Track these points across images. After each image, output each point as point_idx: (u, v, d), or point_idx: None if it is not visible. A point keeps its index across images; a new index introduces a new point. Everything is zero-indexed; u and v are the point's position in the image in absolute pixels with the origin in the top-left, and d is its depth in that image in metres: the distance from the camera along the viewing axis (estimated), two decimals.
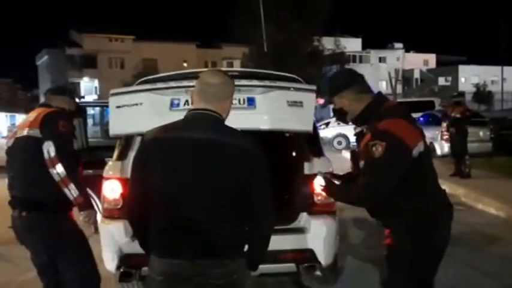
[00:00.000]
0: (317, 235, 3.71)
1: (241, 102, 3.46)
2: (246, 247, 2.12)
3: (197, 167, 1.95)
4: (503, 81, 43.85)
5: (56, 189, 3.02)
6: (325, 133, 19.92)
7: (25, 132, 3.11)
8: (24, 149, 3.12)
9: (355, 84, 2.66)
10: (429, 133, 14.03)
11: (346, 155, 16.99)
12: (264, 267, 3.60)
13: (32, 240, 3.08)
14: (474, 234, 6.55)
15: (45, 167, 3.02)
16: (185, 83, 3.57)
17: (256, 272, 3.70)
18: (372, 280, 4.32)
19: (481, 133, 14.16)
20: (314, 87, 3.67)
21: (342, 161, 15.54)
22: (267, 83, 3.63)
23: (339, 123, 19.63)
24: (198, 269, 1.96)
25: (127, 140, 3.86)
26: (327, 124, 20.46)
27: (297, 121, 3.49)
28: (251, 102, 3.49)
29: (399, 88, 50.84)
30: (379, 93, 2.75)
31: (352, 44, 55.23)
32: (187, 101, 3.40)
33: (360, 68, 45.18)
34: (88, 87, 55.41)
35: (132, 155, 3.35)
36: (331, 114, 23.20)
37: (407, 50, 61.81)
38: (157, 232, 2.03)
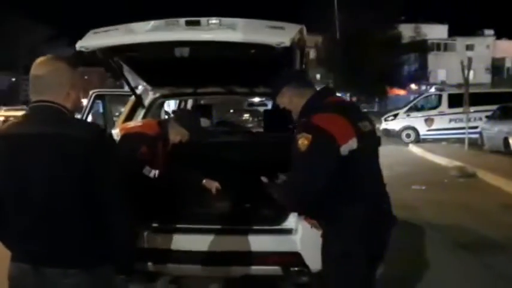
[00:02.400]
0: (305, 238, 3.46)
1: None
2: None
3: (33, 166, 1.80)
4: None
5: None
6: (392, 125, 19.07)
7: None
8: None
9: (293, 80, 2.58)
10: (505, 127, 13.00)
11: (414, 149, 16.20)
12: (246, 269, 3.52)
13: None
14: None
15: None
16: None
17: (239, 273, 3.65)
18: None
19: None
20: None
21: (408, 155, 14.95)
22: None
23: (408, 115, 18.76)
24: (42, 276, 1.82)
25: None
26: (395, 116, 19.49)
27: (274, 35, 3.10)
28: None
29: (487, 78, 47.70)
30: (324, 88, 2.66)
31: (436, 31, 52.51)
32: None
33: (445, 57, 43.00)
34: None
35: None
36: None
37: (498, 37, 57.57)
38: (7, 235, 1.91)
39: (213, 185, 3.85)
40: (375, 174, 2.45)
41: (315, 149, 2.19)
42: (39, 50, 45.96)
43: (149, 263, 3.48)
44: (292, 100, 2.53)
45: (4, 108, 29.12)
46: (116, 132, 3.46)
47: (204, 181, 3.85)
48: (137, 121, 3.78)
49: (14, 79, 61.93)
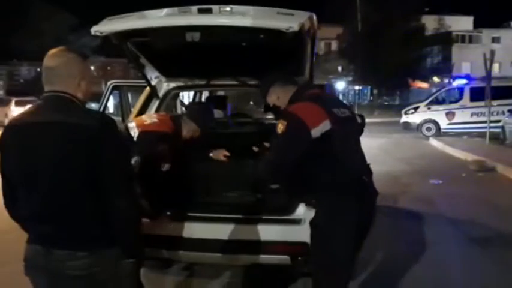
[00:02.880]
0: None
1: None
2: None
3: (43, 153, 1.89)
4: None
5: None
6: (413, 118, 18.84)
7: None
8: None
9: (278, 79, 3.00)
10: None
11: (434, 142, 16.03)
12: (256, 258, 3.59)
13: None
14: None
15: None
16: None
17: (249, 261, 3.72)
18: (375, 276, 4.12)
19: None
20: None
21: (427, 149, 14.80)
22: None
23: (429, 108, 18.53)
24: (52, 257, 1.91)
25: None
26: (416, 109, 19.23)
27: (283, 20, 3.13)
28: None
29: None
30: (305, 83, 3.13)
31: (461, 23, 51.45)
32: None
33: (469, 49, 42.12)
34: None
35: None
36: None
37: None
38: (22, 218, 2.03)
39: (220, 154, 3.98)
40: (354, 152, 2.81)
41: (288, 132, 2.57)
42: (64, 39, 46.64)
43: (162, 250, 3.59)
44: (279, 97, 2.95)
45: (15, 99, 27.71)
46: (132, 126, 3.53)
47: (211, 154, 3.97)
48: (151, 115, 3.85)
49: (38, 69, 63.06)
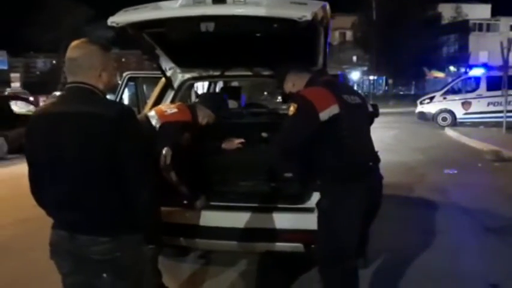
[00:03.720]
0: None
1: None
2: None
3: (66, 142, 1.95)
4: None
5: None
6: (428, 108, 18.63)
7: None
8: None
9: (292, 68, 3.16)
10: None
11: (449, 132, 15.89)
12: (270, 245, 3.65)
13: None
14: None
15: None
16: None
17: (264, 248, 3.78)
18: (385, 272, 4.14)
19: None
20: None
21: (443, 139, 14.68)
22: None
23: (445, 98, 18.33)
24: (76, 242, 1.99)
25: None
26: (431, 98, 19.01)
27: (296, 9, 3.13)
28: None
29: None
30: (319, 70, 3.32)
31: (478, 11, 50.59)
32: None
33: (487, 38, 41.40)
34: None
35: None
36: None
37: None
38: (47, 204, 2.10)
39: (233, 144, 4.01)
40: (362, 138, 2.96)
41: (299, 113, 2.76)
42: (80, 31, 46.96)
43: (180, 238, 3.68)
44: (295, 84, 3.10)
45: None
46: (152, 116, 3.59)
47: (223, 145, 4.00)
48: (169, 105, 3.90)
49: (54, 61, 63.60)
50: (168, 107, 3.77)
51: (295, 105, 2.78)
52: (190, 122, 3.62)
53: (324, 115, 2.71)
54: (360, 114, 2.98)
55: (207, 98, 4.11)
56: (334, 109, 2.74)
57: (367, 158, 2.95)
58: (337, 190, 2.82)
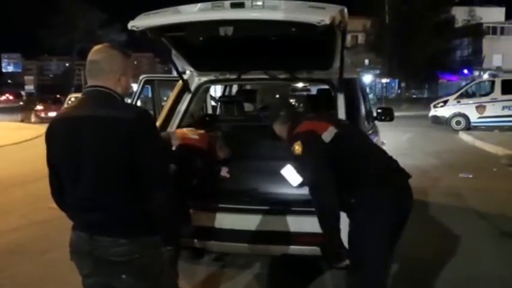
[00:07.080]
0: (342, 220, 3.53)
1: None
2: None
3: (86, 145, 1.98)
4: None
5: None
6: (442, 112, 18.47)
7: None
8: None
9: (278, 117, 3.18)
10: None
11: (463, 136, 15.75)
12: (287, 248, 3.64)
13: None
14: None
15: None
16: None
17: (280, 251, 3.77)
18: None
19: None
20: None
21: (457, 143, 14.55)
22: None
23: (458, 101, 18.17)
24: (96, 244, 2.01)
25: None
26: (445, 102, 18.87)
27: (314, 14, 3.13)
28: None
29: None
30: (301, 113, 3.71)
31: (492, 14, 50.12)
32: None
33: (501, 41, 41.04)
34: None
35: None
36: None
37: None
38: (67, 206, 2.13)
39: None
40: (373, 145, 3.08)
41: (306, 147, 2.68)
42: (93, 35, 47.49)
43: (196, 240, 3.69)
44: (279, 132, 3.17)
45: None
46: (171, 133, 3.87)
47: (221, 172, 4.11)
48: (193, 131, 3.98)
49: (67, 64, 64.26)
50: (191, 132, 3.92)
51: (299, 143, 2.71)
52: (206, 150, 3.86)
53: (326, 136, 2.73)
54: (356, 130, 3.14)
55: (228, 135, 4.33)
56: (332, 130, 2.77)
57: (392, 162, 2.88)
58: (371, 199, 2.66)
